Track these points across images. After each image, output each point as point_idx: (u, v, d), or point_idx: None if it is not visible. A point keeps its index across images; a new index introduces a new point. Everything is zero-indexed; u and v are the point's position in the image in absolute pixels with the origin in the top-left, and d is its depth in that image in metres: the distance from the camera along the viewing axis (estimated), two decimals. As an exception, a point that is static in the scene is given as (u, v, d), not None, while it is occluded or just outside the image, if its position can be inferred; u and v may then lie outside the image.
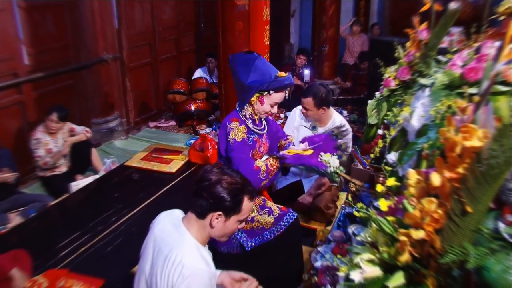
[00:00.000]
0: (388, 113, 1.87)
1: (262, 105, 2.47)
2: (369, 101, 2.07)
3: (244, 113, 2.53)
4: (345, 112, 6.26)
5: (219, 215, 1.66)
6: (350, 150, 3.43)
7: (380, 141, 1.80)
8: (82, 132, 4.45)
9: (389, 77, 1.97)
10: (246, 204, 1.71)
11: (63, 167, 4.34)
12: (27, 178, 4.43)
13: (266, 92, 2.43)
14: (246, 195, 1.70)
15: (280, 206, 2.70)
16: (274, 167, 2.49)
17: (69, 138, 4.34)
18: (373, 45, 5.98)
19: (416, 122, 1.54)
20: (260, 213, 2.60)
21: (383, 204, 1.20)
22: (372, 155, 1.86)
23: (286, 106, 5.87)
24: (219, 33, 4.30)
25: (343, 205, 3.32)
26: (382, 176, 3.09)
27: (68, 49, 4.99)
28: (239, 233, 2.55)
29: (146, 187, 4.09)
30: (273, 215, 2.60)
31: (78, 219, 3.57)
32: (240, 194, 1.68)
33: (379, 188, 1.35)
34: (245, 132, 2.46)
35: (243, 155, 2.44)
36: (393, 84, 1.93)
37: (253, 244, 2.52)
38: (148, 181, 4.26)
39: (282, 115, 5.95)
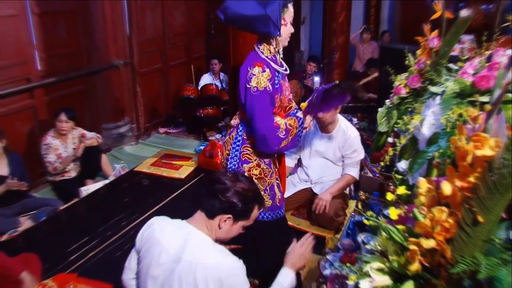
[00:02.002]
0: (399, 121, 1.86)
1: (286, 26, 2.29)
2: (379, 109, 2.07)
3: (266, 54, 2.32)
4: (355, 120, 6.24)
5: (228, 218, 1.71)
6: (362, 155, 3.43)
7: (390, 149, 1.79)
8: (94, 137, 4.49)
9: (400, 84, 1.96)
10: (255, 212, 1.78)
11: (73, 172, 4.37)
12: (37, 182, 4.47)
13: (286, 8, 2.25)
14: (257, 204, 1.77)
15: (281, 197, 2.58)
16: (293, 127, 2.36)
17: (84, 142, 4.38)
18: (383, 53, 5.96)
19: (426, 131, 1.53)
20: (266, 191, 2.46)
21: (393, 212, 1.19)
22: (382, 163, 1.85)
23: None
24: (229, 40, 4.31)
25: (353, 213, 3.31)
26: (392, 184, 3.07)
27: (80, 55, 5.04)
28: None
29: (156, 193, 4.10)
30: (272, 201, 2.49)
31: (88, 223, 3.59)
32: (253, 202, 1.75)
33: (389, 196, 1.34)
34: (268, 80, 2.24)
35: (263, 108, 2.25)
36: (403, 92, 1.93)
37: None
38: (157, 187, 4.28)
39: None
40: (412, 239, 1.02)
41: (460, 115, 1.34)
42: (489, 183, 0.90)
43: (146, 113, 6.06)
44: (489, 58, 1.53)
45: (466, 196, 0.95)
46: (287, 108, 2.55)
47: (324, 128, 3.32)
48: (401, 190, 1.36)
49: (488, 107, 1.02)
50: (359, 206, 3.31)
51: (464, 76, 1.54)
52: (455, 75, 1.68)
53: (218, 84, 6.39)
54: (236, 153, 2.44)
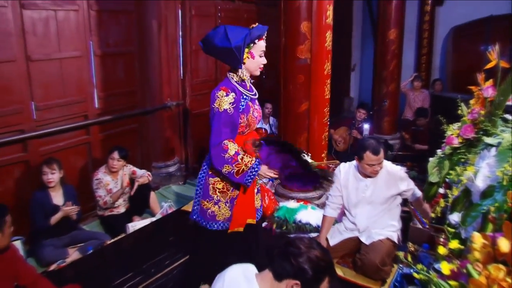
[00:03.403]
0: (451, 171, 1.81)
1: (253, 58, 2.55)
2: (430, 159, 2.03)
3: (235, 79, 2.60)
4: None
5: (296, 284, 1.67)
6: (419, 194, 3.40)
7: (441, 200, 1.74)
8: (145, 175, 4.59)
9: (452, 134, 1.92)
10: (325, 284, 1.72)
11: (121, 208, 4.48)
12: (87, 215, 4.60)
13: (252, 44, 2.52)
14: (328, 277, 1.71)
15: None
16: (243, 163, 2.46)
17: (137, 181, 4.50)
18: (435, 101, 5.89)
19: (481, 183, 1.48)
20: (226, 203, 2.68)
21: (445, 267, 1.15)
22: (432, 215, 1.80)
23: (345, 159, 5.81)
24: (280, 85, 4.40)
25: (400, 265, 3.19)
26: (443, 237, 2.95)
27: (134, 95, 5.26)
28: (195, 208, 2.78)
29: (200, 233, 4.11)
30: (231, 212, 2.68)
31: (133, 259, 3.63)
32: (324, 273, 1.70)
33: (441, 250, 1.29)
34: (230, 103, 2.48)
35: (217, 127, 2.48)
36: (456, 142, 1.88)
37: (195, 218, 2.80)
38: (202, 227, 4.29)
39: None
40: (466, 296, 0.98)
41: (517, 168, 1.29)
42: (550, 242, 0.86)
43: (195, 154, 6.17)
44: (548, 110, 1.49)
45: (525, 254, 0.90)
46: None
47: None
48: (454, 244, 1.31)
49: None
50: (408, 258, 3.19)
51: (522, 128, 1.49)
52: (511, 126, 1.63)
53: (268, 128, 6.42)
54: (205, 166, 2.72)
